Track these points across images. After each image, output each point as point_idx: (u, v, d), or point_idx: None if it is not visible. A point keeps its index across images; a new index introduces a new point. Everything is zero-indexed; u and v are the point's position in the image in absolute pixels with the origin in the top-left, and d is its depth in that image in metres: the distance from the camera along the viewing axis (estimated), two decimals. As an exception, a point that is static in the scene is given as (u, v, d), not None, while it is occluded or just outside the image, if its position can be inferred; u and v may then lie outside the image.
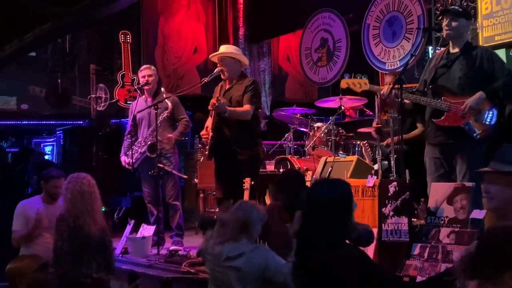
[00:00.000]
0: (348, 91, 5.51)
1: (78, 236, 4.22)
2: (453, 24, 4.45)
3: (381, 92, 4.69)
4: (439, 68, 4.55)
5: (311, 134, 6.67)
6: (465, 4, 6.07)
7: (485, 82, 4.37)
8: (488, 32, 5.75)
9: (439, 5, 6.32)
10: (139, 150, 6.31)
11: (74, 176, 4.46)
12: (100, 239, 4.30)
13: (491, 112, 4.29)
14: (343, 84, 5.08)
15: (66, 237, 4.22)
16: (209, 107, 5.45)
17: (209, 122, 5.71)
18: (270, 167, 6.81)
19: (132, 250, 5.91)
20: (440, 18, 4.67)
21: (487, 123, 4.30)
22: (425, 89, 4.60)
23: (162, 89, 6.36)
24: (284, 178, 4.52)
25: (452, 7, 4.94)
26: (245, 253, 3.53)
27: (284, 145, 7.31)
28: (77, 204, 4.28)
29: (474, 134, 4.29)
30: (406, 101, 4.55)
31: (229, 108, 5.40)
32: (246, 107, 5.47)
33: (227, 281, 3.52)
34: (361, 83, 4.87)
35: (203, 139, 5.77)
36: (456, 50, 4.51)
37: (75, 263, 4.20)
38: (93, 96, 8.29)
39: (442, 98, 4.41)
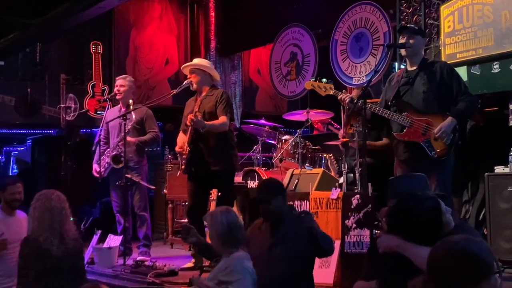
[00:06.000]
0: (315, 103, 5.61)
1: (45, 261, 3.70)
2: (411, 41, 4.64)
3: (340, 97, 4.82)
4: (401, 86, 4.70)
5: (278, 147, 6.67)
6: (429, 22, 6.17)
7: (447, 95, 4.55)
8: (450, 49, 5.82)
9: (404, 22, 6.35)
10: (107, 159, 6.29)
11: (41, 193, 3.94)
12: (71, 262, 3.83)
13: (452, 135, 4.46)
14: (308, 85, 5.17)
15: (33, 262, 3.71)
16: (187, 123, 5.39)
17: (180, 138, 5.69)
18: (238, 178, 6.73)
19: (98, 261, 5.88)
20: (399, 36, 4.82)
21: (446, 143, 4.45)
22: (389, 105, 4.73)
23: (130, 100, 6.29)
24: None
25: (409, 25, 5.04)
26: (230, 265, 3.49)
27: (252, 157, 7.28)
28: (45, 223, 3.78)
29: (432, 153, 4.45)
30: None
31: (207, 123, 5.37)
32: (222, 118, 5.45)
33: None
34: (326, 87, 5.00)
35: (178, 155, 5.72)
36: (414, 67, 4.69)
37: None
38: (63, 106, 8.15)
39: (405, 114, 4.56)
